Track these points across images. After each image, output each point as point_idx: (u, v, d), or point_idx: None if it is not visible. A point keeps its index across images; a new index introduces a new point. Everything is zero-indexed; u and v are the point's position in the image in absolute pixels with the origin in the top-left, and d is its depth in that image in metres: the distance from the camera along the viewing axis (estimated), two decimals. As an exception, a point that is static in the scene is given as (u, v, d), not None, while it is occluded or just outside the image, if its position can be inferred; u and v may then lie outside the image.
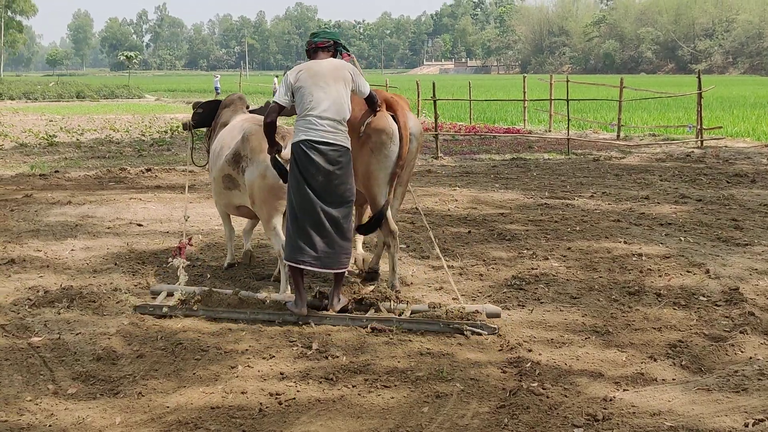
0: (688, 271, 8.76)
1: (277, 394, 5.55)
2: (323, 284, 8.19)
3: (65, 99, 62.93)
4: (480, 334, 6.86)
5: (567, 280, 8.52)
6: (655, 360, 6.22)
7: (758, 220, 11.64)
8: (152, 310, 7.42)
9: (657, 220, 11.66)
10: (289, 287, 7.81)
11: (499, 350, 6.47)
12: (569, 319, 7.27)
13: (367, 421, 5.19)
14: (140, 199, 13.77)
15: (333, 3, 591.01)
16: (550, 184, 15.71)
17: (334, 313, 7.26)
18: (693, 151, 21.69)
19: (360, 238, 9.20)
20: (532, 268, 8.98)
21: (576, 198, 13.78)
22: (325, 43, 7.54)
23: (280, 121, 7.80)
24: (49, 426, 5.11)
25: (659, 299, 7.82)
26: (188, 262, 8.67)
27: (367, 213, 8.64)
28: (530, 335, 6.80)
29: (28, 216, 12.20)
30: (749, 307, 7.38)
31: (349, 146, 7.33)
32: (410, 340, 6.68)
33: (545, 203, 13.24)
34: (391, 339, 6.72)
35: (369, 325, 7.03)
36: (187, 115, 10.67)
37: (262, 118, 7.76)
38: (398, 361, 6.20)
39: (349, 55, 7.88)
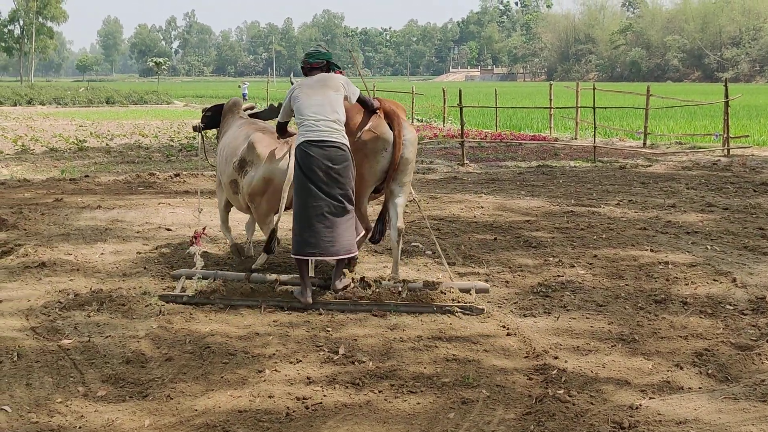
0: (715, 280, 8.73)
1: (303, 399, 5.59)
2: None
3: (95, 104, 63.36)
4: (470, 314, 7.58)
5: (593, 287, 8.52)
6: (681, 368, 6.22)
7: (785, 229, 11.59)
8: (174, 298, 8.00)
9: (683, 229, 11.63)
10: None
11: (525, 357, 6.48)
12: (595, 326, 7.27)
13: (393, 426, 5.22)
14: (169, 204, 13.85)
15: (360, 10, 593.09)
16: (576, 191, 15.69)
17: (337, 300, 7.90)
18: (720, 160, 21.59)
19: None
20: (558, 276, 8.99)
21: (602, 206, 13.76)
22: (319, 63, 8.36)
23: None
24: (79, 428, 5.17)
25: (685, 307, 7.81)
26: (204, 249, 9.49)
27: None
28: (556, 342, 6.82)
29: (59, 220, 12.30)
30: (776, 316, 7.37)
31: (348, 143, 7.92)
32: (436, 346, 6.71)
33: (571, 211, 13.23)
34: (417, 345, 6.75)
35: (371, 311, 7.66)
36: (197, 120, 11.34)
37: (259, 122, 9.46)
38: (424, 367, 6.22)
39: (341, 72, 8.59)
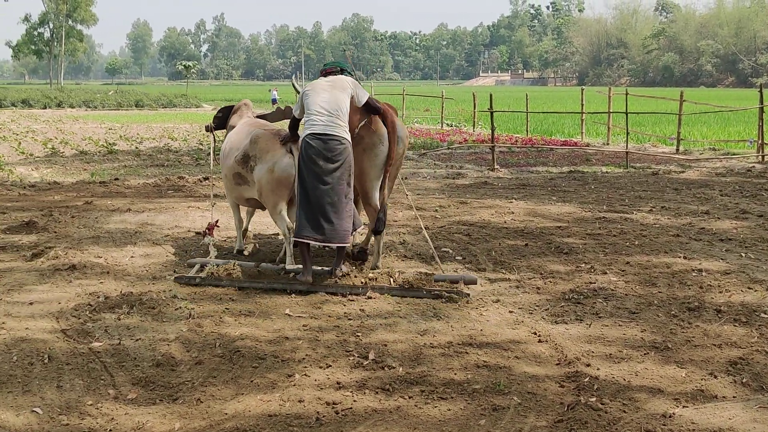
0: (749, 288, 8.64)
1: (333, 404, 5.56)
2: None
3: (124, 107, 63.75)
4: (456, 300, 8.18)
5: (625, 294, 8.45)
6: (715, 377, 6.15)
7: (820, 236, 11.47)
8: (188, 280, 8.79)
9: (717, 236, 11.53)
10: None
11: (557, 364, 6.43)
12: (628, 334, 7.21)
13: (424, 432, 5.19)
14: (198, 208, 13.87)
15: (389, 14, 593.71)
16: (608, 197, 15.60)
17: (336, 282, 8.58)
18: (754, 166, 21.40)
19: None
20: (590, 282, 8.92)
21: (634, 212, 13.67)
22: (332, 69, 9.30)
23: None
24: (110, 430, 5.17)
25: (719, 315, 7.72)
26: (217, 239, 10.46)
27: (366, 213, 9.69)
28: (588, 350, 6.76)
29: (89, 223, 12.35)
30: (811, 325, 7.28)
31: (348, 138, 8.71)
32: (467, 353, 6.67)
33: (603, 217, 13.14)
34: (447, 351, 6.71)
35: (367, 294, 8.32)
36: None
37: (264, 122, 10.13)
38: (455, 373, 6.18)
39: (352, 76, 9.40)
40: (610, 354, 6.67)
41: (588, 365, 6.36)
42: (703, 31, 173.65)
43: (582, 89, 31.67)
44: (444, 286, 8.56)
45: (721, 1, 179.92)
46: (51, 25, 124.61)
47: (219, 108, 11.21)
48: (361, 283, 8.54)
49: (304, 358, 6.47)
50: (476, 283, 8.72)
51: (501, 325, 7.47)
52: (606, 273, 9.35)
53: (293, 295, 8.37)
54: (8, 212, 13.26)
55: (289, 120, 9.49)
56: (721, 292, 8.50)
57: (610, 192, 16.38)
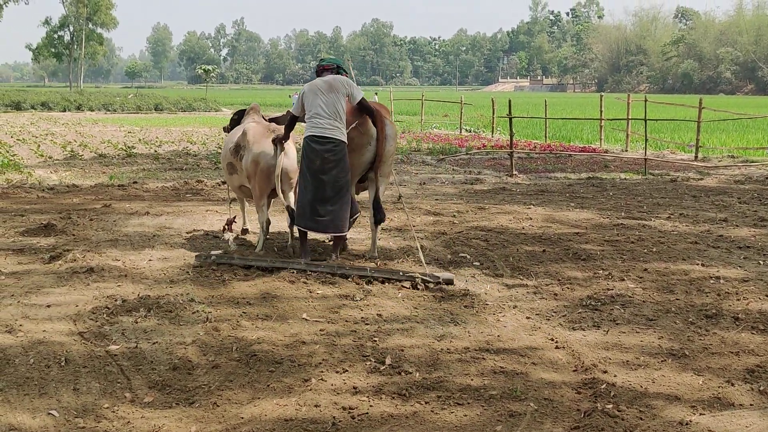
0: (767, 296, 8.61)
1: (350, 409, 5.56)
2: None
3: (143, 111, 63.93)
4: (428, 284, 8.91)
5: (643, 301, 8.42)
6: (732, 384, 6.12)
7: (840, 245, 11.41)
8: (204, 259, 9.81)
9: (735, 243, 11.49)
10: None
11: (574, 371, 6.41)
12: (645, 341, 7.18)
13: (440, 438, 5.18)
14: (216, 211, 13.90)
15: (409, 19, 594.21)
16: (627, 204, 15.55)
17: (326, 263, 9.56)
18: (773, 174, 21.33)
19: None
20: (608, 289, 8.89)
21: (653, 219, 13.62)
22: (329, 66, 9.98)
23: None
24: (126, 433, 5.19)
25: (737, 323, 7.69)
26: (236, 234, 11.46)
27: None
28: (605, 356, 6.74)
29: (107, 226, 12.38)
30: (831, 334, 7.24)
31: (344, 140, 9.57)
32: (484, 358, 6.66)
33: (621, 223, 13.11)
34: (464, 356, 6.70)
35: (352, 275, 9.15)
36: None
37: (266, 123, 10.80)
38: (471, 379, 6.17)
39: (346, 73, 10.05)
40: (628, 361, 6.64)
41: (605, 372, 6.34)
42: (723, 39, 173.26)
43: (601, 96, 31.57)
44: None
45: (741, 8, 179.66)
46: (71, 29, 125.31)
47: (235, 111, 11.97)
48: (347, 265, 9.50)
49: (320, 363, 6.47)
50: (453, 284, 9.05)
51: (518, 331, 7.45)
52: (624, 280, 9.32)
53: (311, 299, 8.35)
54: (27, 215, 13.32)
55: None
56: (738, 300, 8.46)
57: (628, 199, 16.34)
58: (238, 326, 7.41)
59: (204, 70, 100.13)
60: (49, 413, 5.43)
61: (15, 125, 42.24)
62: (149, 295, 8.33)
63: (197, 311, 7.84)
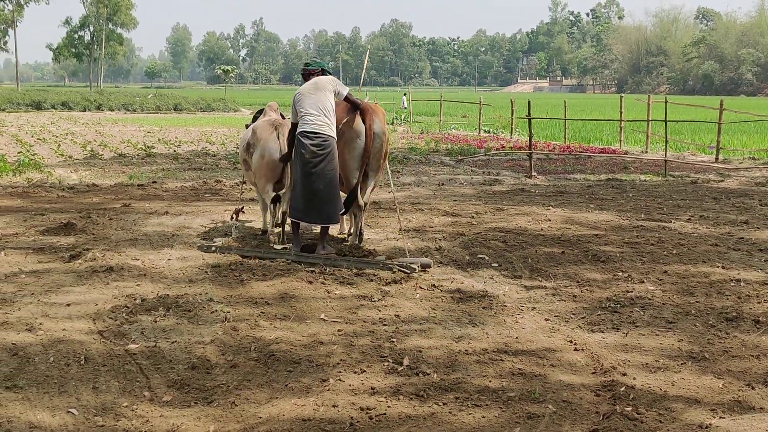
0: (788, 299, 8.56)
1: (368, 409, 5.55)
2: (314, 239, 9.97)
3: (163, 111, 64.18)
4: (405, 272, 9.44)
5: (663, 304, 8.39)
6: (752, 388, 6.08)
7: None
8: (206, 248, 10.66)
9: (756, 246, 11.43)
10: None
11: (593, 373, 6.39)
12: (665, 343, 7.15)
13: (458, 439, 5.17)
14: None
15: (428, 19, 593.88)
16: (646, 206, 15.50)
17: (315, 254, 10.24)
18: (794, 176, 21.22)
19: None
20: (627, 291, 8.86)
21: (673, 221, 13.57)
22: (314, 70, 10.80)
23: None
24: (144, 432, 5.20)
25: (758, 326, 7.64)
26: (240, 223, 12.42)
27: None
28: (624, 359, 6.71)
29: (127, 225, 12.42)
30: None
31: (334, 136, 10.21)
32: (502, 360, 6.64)
33: (641, 225, 13.06)
34: (482, 358, 6.68)
35: (331, 264, 9.85)
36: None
37: (273, 118, 11.50)
38: (489, 381, 6.16)
39: (330, 74, 10.82)
40: (647, 363, 6.61)
41: (624, 374, 6.31)
42: (744, 40, 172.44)
43: (621, 97, 31.47)
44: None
45: (763, 9, 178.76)
46: (91, 29, 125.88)
47: (257, 111, 12.61)
48: (333, 257, 10.14)
49: (338, 363, 6.47)
50: (430, 267, 9.84)
51: (536, 332, 7.43)
52: (643, 282, 9.29)
53: (329, 300, 8.35)
54: (47, 214, 13.37)
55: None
56: (759, 303, 8.41)
57: (648, 200, 16.28)
58: (256, 326, 7.42)
59: (223, 70, 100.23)
60: (69, 411, 5.45)
61: (36, 125, 42.46)
62: (168, 295, 8.36)
63: (216, 311, 7.85)
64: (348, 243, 10.89)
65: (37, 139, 31.99)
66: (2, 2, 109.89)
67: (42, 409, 5.49)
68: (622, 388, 5.98)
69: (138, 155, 25.60)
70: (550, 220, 13.44)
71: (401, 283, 9.04)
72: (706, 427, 5.33)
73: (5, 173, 19.00)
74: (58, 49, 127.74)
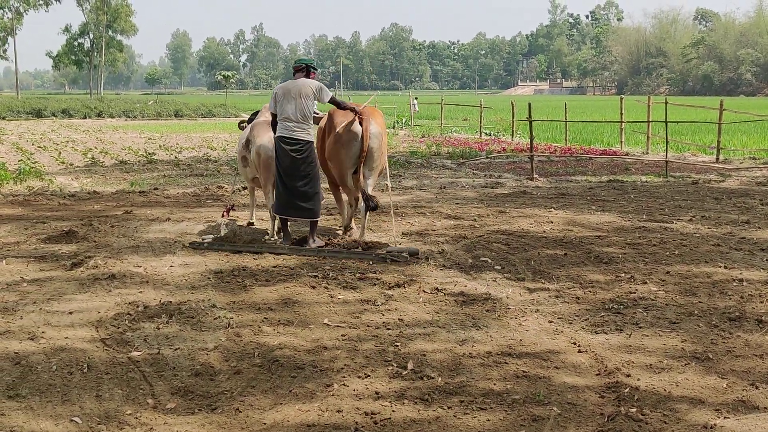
0: (792, 298, 8.55)
1: (372, 414, 5.54)
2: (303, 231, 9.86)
3: (164, 117, 64.18)
4: (398, 262, 10.20)
5: (666, 304, 8.38)
6: (756, 388, 6.07)
7: None
8: (198, 245, 11.22)
9: (758, 245, 11.42)
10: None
11: (597, 374, 6.38)
12: (668, 344, 7.14)
13: (463, 443, 5.16)
14: (237, 217, 13.90)
15: (428, 23, 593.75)
16: (648, 206, 15.49)
17: (307, 247, 10.98)
18: (795, 175, 21.20)
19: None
20: (630, 292, 8.86)
21: (674, 221, 13.56)
22: (299, 67, 11.30)
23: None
24: (149, 440, 5.19)
25: (761, 326, 7.64)
26: (229, 220, 12.57)
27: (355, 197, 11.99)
28: (628, 360, 6.70)
29: (128, 232, 12.42)
30: None
31: (311, 140, 11.05)
32: (506, 362, 6.63)
33: (643, 226, 13.05)
34: (486, 361, 6.68)
35: (326, 256, 10.63)
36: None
37: (262, 120, 12.12)
38: (494, 384, 6.15)
39: (315, 71, 11.44)
40: (651, 364, 6.60)
41: (628, 375, 6.31)
42: (743, 40, 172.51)
43: (621, 98, 31.46)
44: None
45: (761, 9, 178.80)
46: (91, 36, 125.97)
47: (253, 112, 13.26)
48: (326, 249, 10.91)
49: (342, 368, 6.46)
50: (418, 254, 10.64)
51: (540, 334, 7.42)
52: (646, 283, 9.28)
53: (332, 304, 8.35)
54: (48, 221, 13.37)
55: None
56: (762, 302, 8.41)
57: (649, 201, 16.27)
58: (259, 332, 7.42)
59: (224, 76, 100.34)
60: (72, 420, 5.44)
61: (36, 132, 42.48)
62: (171, 301, 8.35)
63: (219, 317, 7.85)
64: (340, 237, 11.79)
65: (38, 146, 32.01)
66: (1, 10, 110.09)
67: (45, 417, 5.48)
68: (627, 390, 5.97)
69: (139, 162, 25.61)
70: (552, 222, 13.44)
71: (404, 287, 9.03)
72: (711, 428, 5.33)
73: (6, 181, 18.99)
74: (58, 56, 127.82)
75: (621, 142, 30.48)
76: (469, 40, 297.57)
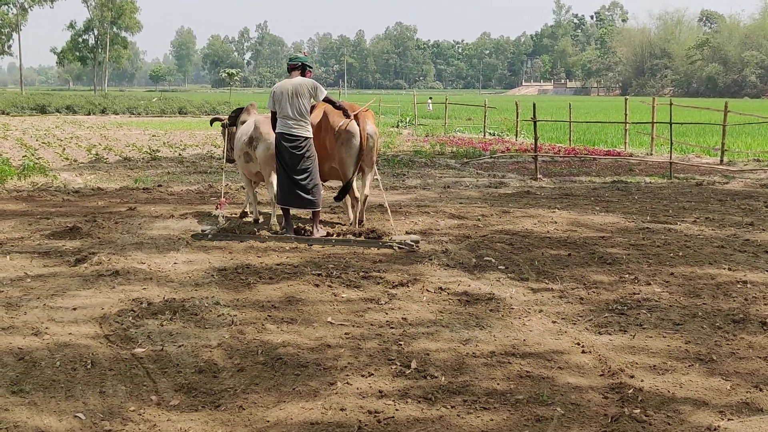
0: (796, 300, 8.54)
1: (375, 412, 5.54)
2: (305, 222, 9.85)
3: (168, 114, 64.24)
4: (403, 249, 10.99)
5: (669, 305, 8.37)
6: (760, 389, 6.06)
7: None
8: (201, 236, 11.69)
9: (762, 247, 11.41)
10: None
11: (601, 375, 6.37)
12: (672, 345, 7.13)
13: (467, 442, 5.15)
14: (234, 214, 13.91)
15: (432, 22, 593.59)
16: (652, 208, 15.48)
17: (312, 237, 11.62)
18: (799, 178, 21.18)
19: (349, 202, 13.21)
20: (634, 293, 8.85)
21: (678, 223, 13.55)
22: (293, 65, 11.91)
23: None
24: (152, 436, 5.19)
25: (764, 327, 7.63)
26: (226, 213, 13.36)
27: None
28: (632, 361, 6.69)
29: (132, 229, 12.43)
30: None
31: (309, 136, 11.64)
32: (509, 362, 6.63)
33: (647, 227, 13.04)
34: (490, 360, 6.67)
35: (333, 244, 11.36)
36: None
37: (264, 117, 12.60)
38: (497, 383, 6.14)
39: (311, 70, 12.07)
40: (654, 365, 6.60)
41: (632, 377, 6.30)
42: (748, 42, 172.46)
43: (626, 99, 31.49)
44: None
45: (766, 11, 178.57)
46: (95, 32, 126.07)
47: (233, 109, 13.94)
48: (333, 239, 11.58)
49: (346, 367, 6.46)
50: (419, 242, 11.32)
51: (544, 335, 7.41)
52: (650, 284, 9.27)
53: (336, 303, 8.35)
54: (52, 218, 13.39)
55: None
56: (766, 304, 8.40)
57: (653, 202, 16.26)
58: (263, 329, 7.41)
59: (228, 73, 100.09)
60: (76, 416, 5.43)
61: (40, 129, 42.52)
62: (174, 298, 8.35)
63: (222, 314, 7.85)
64: (346, 228, 12.43)
65: (42, 143, 32.04)
66: (6, 6, 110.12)
67: (49, 413, 5.49)
68: (630, 391, 5.96)
69: (143, 159, 25.62)
70: (556, 223, 13.43)
71: (408, 286, 9.02)
72: (715, 429, 5.32)
73: (10, 177, 19.00)
74: (63, 52, 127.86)
75: (625, 143, 30.49)
76: (473, 39, 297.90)
